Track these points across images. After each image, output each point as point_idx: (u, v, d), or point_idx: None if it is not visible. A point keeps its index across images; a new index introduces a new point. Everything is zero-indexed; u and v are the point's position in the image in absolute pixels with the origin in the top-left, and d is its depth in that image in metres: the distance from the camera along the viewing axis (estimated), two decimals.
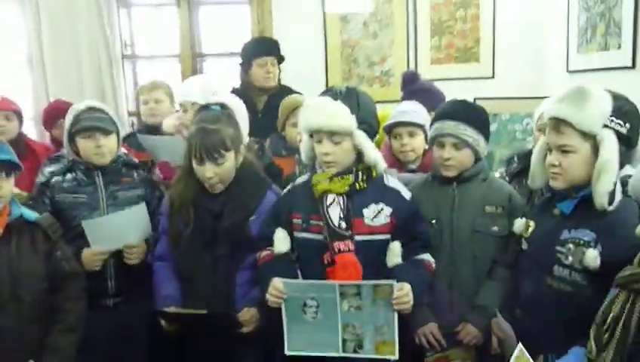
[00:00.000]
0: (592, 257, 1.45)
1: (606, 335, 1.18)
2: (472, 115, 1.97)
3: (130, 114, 3.76)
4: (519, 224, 1.77)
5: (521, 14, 3.58)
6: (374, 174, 1.83)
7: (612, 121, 1.51)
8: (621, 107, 1.53)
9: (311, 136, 1.82)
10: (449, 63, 3.67)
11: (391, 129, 2.36)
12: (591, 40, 3.11)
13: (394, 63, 3.66)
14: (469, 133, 1.92)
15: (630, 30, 2.74)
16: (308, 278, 1.77)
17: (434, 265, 1.87)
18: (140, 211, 2.10)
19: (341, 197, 1.77)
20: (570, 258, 1.53)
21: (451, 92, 2.86)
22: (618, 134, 1.50)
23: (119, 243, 2.07)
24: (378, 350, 1.69)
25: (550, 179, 1.62)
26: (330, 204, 1.76)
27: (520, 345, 1.40)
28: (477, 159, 1.98)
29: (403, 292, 1.67)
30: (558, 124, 1.54)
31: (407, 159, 2.35)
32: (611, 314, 1.18)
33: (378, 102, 3.29)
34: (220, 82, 2.60)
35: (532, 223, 1.72)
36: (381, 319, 1.67)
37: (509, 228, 1.86)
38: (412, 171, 2.34)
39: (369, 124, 1.81)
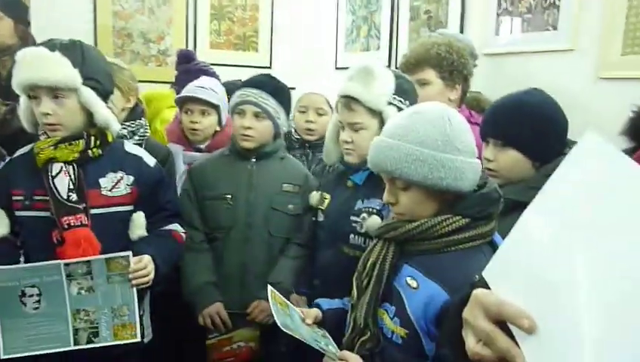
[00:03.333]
0: (375, 223, 1.51)
1: (365, 281, 1.27)
2: (276, 87, 1.95)
3: None
4: (314, 196, 1.82)
5: (297, 11, 3.75)
6: (110, 139, 1.63)
7: (395, 98, 1.61)
8: (401, 85, 1.65)
9: (29, 96, 1.55)
10: (229, 50, 3.66)
11: (183, 103, 2.22)
12: (356, 40, 3.42)
13: (172, 43, 3.50)
14: (271, 104, 1.90)
15: (387, 34, 3.08)
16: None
17: (184, 235, 1.78)
18: None
19: (70, 166, 1.55)
20: (364, 226, 1.59)
21: (230, 78, 2.86)
22: (400, 110, 1.58)
23: None
24: (117, 336, 1.51)
25: (345, 155, 1.68)
26: (57, 175, 1.54)
27: (269, 286, 1.44)
28: (276, 136, 1.97)
29: (141, 264, 1.51)
30: (349, 102, 1.61)
31: (195, 138, 2.25)
32: (370, 261, 1.28)
33: (154, 82, 3.15)
34: None
35: (328, 196, 1.77)
36: (118, 299, 1.50)
37: (304, 207, 1.90)
38: (199, 151, 2.24)
39: (98, 80, 1.58)
